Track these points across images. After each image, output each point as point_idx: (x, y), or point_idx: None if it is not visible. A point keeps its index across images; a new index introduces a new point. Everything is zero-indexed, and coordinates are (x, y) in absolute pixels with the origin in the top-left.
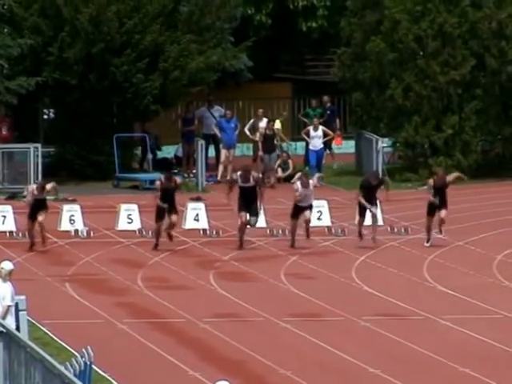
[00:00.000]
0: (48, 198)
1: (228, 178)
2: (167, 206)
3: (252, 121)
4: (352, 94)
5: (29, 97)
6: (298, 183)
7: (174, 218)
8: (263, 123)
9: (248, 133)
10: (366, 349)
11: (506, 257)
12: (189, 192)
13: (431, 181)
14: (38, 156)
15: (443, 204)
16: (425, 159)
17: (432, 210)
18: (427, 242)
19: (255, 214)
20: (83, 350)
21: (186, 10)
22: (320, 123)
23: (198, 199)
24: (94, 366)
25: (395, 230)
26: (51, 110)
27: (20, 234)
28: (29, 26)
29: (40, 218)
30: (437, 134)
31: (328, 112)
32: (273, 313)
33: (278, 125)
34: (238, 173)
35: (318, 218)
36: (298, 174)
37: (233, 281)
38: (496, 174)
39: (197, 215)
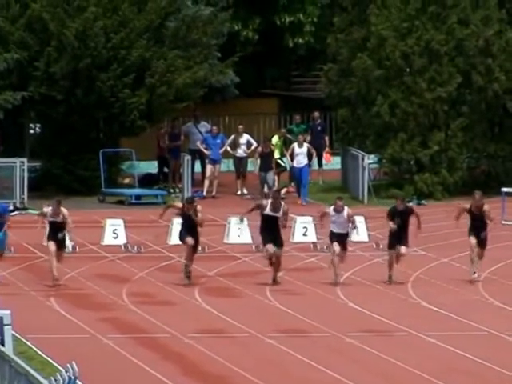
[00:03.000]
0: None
1: (254, 203)
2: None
3: (232, 137)
4: (338, 110)
5: (15, 111)
6: (331, 208)
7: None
8: (243, 139)
9: (228, 149)
10: (350, 365)
11: (491, 274)
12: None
13: (467, 205)
14: (24, 170)
15: (481, 243)
16: (410, 176)
17: (473, 233)
18: (474, 273)
19: (280, 245)
20: (68, 364)
21: (173, 26)
22: (305, 139)
23: None
24: (78, 381)
25: (380, 246)
26: (37, 125)
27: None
28: (15, 41)
29: (62, 259)
30: (423, 151)
31: (319, 128)
32: (258, 328)
33: (275, 139)
34: (269, 200)
35: (304, 234)
36: (284, 190)
37: (218, 296)
38: (481, 191)
39: None
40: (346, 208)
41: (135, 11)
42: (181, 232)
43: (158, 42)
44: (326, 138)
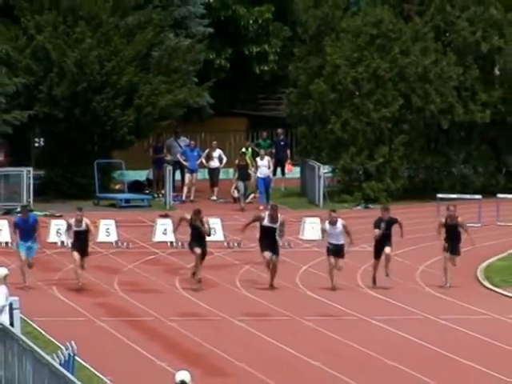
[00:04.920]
0: (38, 213)
1: (253, 216)
2: (200, 249)
3: (207, 151)
4: (298, 127)
5: (22, 128)
6: (326, 222)
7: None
8: (216, 153)
9: (204, 161)
10: (308, 344)
11: (428, 267)
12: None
13: (442, 219)
14: (29, 178)
15: (455, 249)
16: (359, 183)
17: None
18: (446, 284)
19: (277, 253)
20: (67, 343)
21: (157, 55)
22: (268, 153)
23: (165, 216)
24: (76, 357)
25: None
26: (41, 139)
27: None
28: (23, 68)
29: (85, 264)
30: (370, 162)
31: (282, 143)
32: (229, 313)
33: (243, 150)
34: (267, 212)
35: None
36: (252, 196)
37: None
38: (419, 196)
39: (165, 230)
40: (339, 220)
41: (125, 42)
42: (190, 242)
43: (144, 68)
44: (288, 151)
